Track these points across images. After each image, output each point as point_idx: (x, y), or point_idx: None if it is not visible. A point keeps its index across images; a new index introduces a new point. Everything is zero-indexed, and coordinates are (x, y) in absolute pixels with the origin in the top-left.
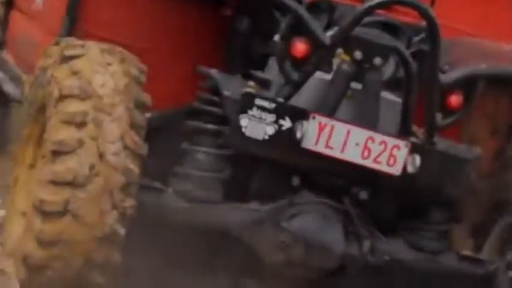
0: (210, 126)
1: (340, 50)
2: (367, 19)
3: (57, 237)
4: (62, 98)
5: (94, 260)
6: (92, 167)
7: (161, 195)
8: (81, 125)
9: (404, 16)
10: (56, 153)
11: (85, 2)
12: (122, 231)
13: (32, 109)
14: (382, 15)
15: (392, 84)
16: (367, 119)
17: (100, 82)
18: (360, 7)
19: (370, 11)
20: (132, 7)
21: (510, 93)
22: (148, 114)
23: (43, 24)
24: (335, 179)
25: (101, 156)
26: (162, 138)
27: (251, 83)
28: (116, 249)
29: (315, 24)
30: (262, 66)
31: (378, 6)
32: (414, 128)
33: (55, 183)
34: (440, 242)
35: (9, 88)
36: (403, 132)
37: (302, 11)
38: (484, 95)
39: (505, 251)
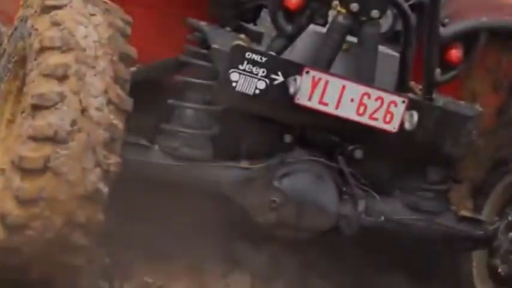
0: (198, 80)
1: (336, 2)
2: None
3: (37, 195)
4: (43, 50)
5: (76, 220)
6: (73, 123)
7: (147, 153)
8: (62, 78)
9: None
10: (36, 108)
11: None
12: (105, 189)
13: (11, 62)
14: None
15: (390, 38)
16: (363, 74)
17: (83, 34)
18: None
19: None
20: None
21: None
22: (133, 68)
23: None
24: (329, 136)
25: (84, 111)
26: (147, 92)
27: (242, 36)
28: (99, 209)
29: None
30: (253, 19)
31: None
32: (412, 83)
33: (35, 139)
34: (439, 202)
35: None
36: (401, 88)
37: None
38: (485, 49)
39: (506, 211)
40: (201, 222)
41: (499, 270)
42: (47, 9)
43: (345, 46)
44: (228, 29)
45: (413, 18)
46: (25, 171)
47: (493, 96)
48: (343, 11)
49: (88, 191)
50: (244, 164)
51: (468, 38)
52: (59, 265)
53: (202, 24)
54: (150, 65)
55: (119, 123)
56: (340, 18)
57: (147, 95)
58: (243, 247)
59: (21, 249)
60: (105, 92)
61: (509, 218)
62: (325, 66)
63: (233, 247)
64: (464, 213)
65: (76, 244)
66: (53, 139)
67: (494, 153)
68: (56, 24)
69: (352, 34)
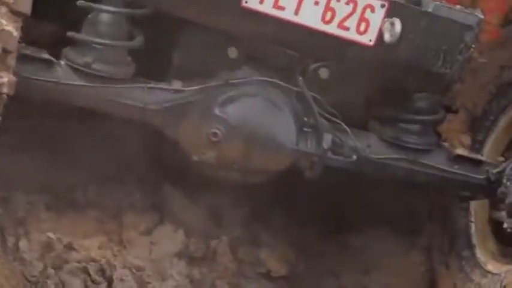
0: None
1: None
2: None
3: None
4: None
5: None
6: None
7: (51, 69)
8: None
9: None
10: None
11: None
12: None
13: None
14: None
15: None
16: None
17: None
18: None
19: None
20: None
21: None
22: None
23: None
24: (286, 50)
25: None
26: None
27: None
28: None
29: None
30: None
31: None
32: None
33: None
34: (426, 137)
35: None
36: None
37: None
38: None
39: (504, 151)
40: (120, 159)
41: (504, 225)
42: None
43: None
44: None
45: None
46: None
47: (499, 1)
48: None
49: None
50: (176, 85)
51: None
52: None
53: None
54: None
55: (14, 31)
56: None
57: None
58: (175, 194)
59: None
60: None
61: None
62: None
63: (161, 194)
64: (460, 151)
65: None
66: None
67: (499, 74)
68: None
69: None
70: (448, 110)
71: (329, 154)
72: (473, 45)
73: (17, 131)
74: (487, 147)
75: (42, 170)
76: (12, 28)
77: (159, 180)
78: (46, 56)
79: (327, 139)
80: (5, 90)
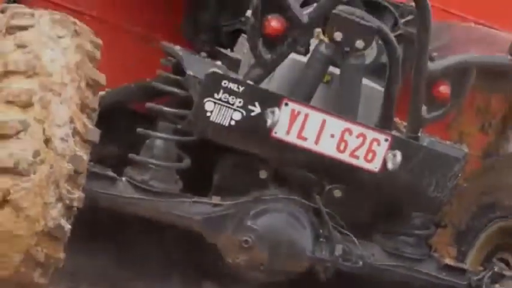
0: (170, 109)
1: (318, 30)
2: None
3: None
4: (7, 74)
5: (35, 257)
6: (36, 153)
7: (114, 185)
8: (26, 105)
9: None
10: None
11: None
12: (67, 226)
13: None
14: None
15: (374, 71)
16: (345, 108)
17: (49, 57)
18: None
19: None
20: None
21: (503, 87)
22: (101, 92)
23: None
24: (307, 173)
25: (47, 141)
26: (115, 119)
27: (218, 63)
28: (59, 246)
29: (292, 0)
30: (231, 44)
31: None
32: (396, 120)
33: None
34: (420, 249)
35: None
36: (384, 124)
37: None
38: (475, 88)
39: (491, 261)
40: (169, 259)
41: None
42: (12, 30)
43: (326, 77)
44: (203, 54)
45: (399, 50)
46: None
47: (480, 138)
48: (326, 39)
49: (49, 227)
50: (215, 199)
51: (458, 74)
52: None
53: (177, 48)
54: (119, 89)
55: (84, 155)
56: (323, 48)
57: (115, 122)
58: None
59: None
60: (71, 121)
61: (495, 269)
62: (305, 99)
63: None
64: (447, 261)
65: (34, 283)
66: (14, 171)
67: (479, 197)
68: (21, 46)
69: (335, 65)
70: (438, 225)
71: (340, 260)
72: (459, 174)
73: (85, 236)
74: (470, 258)
75: (103, 266)
76: (83, 153)
77: (200, 277)
78: (111, 173)
79: (338, 248)
80: (75, 204)
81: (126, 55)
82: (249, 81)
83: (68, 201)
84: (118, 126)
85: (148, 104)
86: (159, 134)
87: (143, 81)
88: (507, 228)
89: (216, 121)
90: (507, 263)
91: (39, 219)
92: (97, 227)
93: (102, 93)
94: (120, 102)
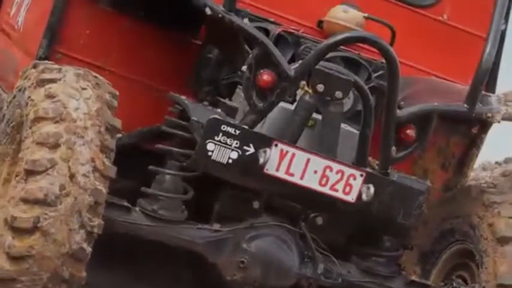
0: (176, 149)
1: (303, 82)
2: (330, 54)
3: (26, 252)
4: (37, 119)
5: (61, 276)
6: (62, 187)
7: (129, 214)
8: (54, 146)
9: (365, 52)
10: (29, 173)
11: (63, 25)
12: (88, 249)
13: (9, 127)
14: (344, 50)
15: (351, 117)
16: (327, 149)
17: (74, 106)
18: (325, 42)
19: (334, 46)
20: (106, 32)
21: (460, 131)
22: (118, 135)
23: (22, 46)
24: (294, 204)
25: (72, 177)
26: (130, 158)
27: (218, 110)
28: (82, 266)
29: (281, 57)
30: (229, 94)
31: (342, 42)
32: (370, 159)
33: (27, 201)
34: (390, 268)
35: None
36: (359, 162)
37: (269, 44)
38: (436, 132)
39: (451, 278)
40: (175, 277)
41: None
42: (42, 82)
43: (310, 122)
44: (205, 103)
45: (372, 99)
46: (16, 230)
47: (441, 173)
48: (310, 90)
49: (73, 250)
50: (215, 226)
51: (422, 120)
52: None
53: (183, 98)
54: (133, 132)
55: (103, 189)
56: (307, 97)
57: (130, 160)
58: None
59: None
60: (92, 160)
61: (454, 285)
62: (293, 140)
63: None
64: (413, 277)
65: None
66: (43, 202)
67: (441, 224)
68: (50, 96)
69: (318, 112)
70: (406, 247)
71: (322, 277)
72: (423, 204)
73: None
74: (433, 276)
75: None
76: (102, 187)
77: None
78: (125, 203)
79: (321, 267)
80: (95, 230)
81: (139, 104)
82: (244, 126)
83: (89, 228)
84: (132, 164)
85: (158, 145)
86: (167, 171)
87: (154, 126)
88: (464, 251)
89: (216, 159)
90: (464, 280)
91: (64, 243)
92: (113, 249)
93: (118, 135)
94: (134, 144)
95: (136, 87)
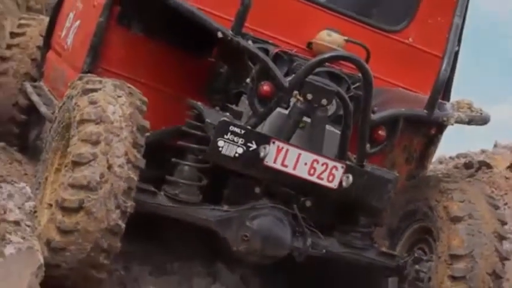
0: (193, 145)
1: (296, 92)
2: (318, 69)
3: (73, 227)
4: (82, 121)
5: (101, 246)
6: (102, 175)
7: (155, 197)
8: (95, 143)
9: (345, 68)
10: (76, 164)
11: (103, 45)
12: (123, 225)
13: (60, 127)
14: (328, 66)
15: (334, 120)
16: (314, 145)
17: (112, 110)
18: (313, 60)
19: (321, 63)
20: (137, 52)
21: (421, 132)
22: (147, 134)
23: (70, 62)
24: (288, 189)
25: (110, 167)
26: (157, 152)
27: (227, 114)
28: (117, 238)
29: (278, 72)
30: (236, 101)
31: (328, 59)
32: (349, 154)
33: (73, 186)
34: (365, 241)
35: (43, 109)
36: (341, 156)
37: (268, 61)
38: (402, 132)
39: (413, 249)
40: (193, 247)
41: None
42: (86, 91)
43: (301, 124)
44: (217, 108)
45: (351, 106)
46: (65, 209)
47: (406, 166)
48: (301, 98)
49: (110, 226)
50: (225, 207)
51: (391, 122)
52: (87, 277)
53: (199, 104)
54: (159, 131)
55: (135, 177)
56: (298, 104)
57: (156, 154)
58: (222, 267)
59: (60, 265)
60: (126, 154)
61: (415, 255)
62: (287, 138)
63: (216, 265)
64: (383, 249)
65: (100, 263)
66: (87, 187)
67: (405, 206)
68: (92, 102)
69: (308, 116)
70: (377, 225)
71: (310, 249)
72: (392, 190)
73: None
74: (399, 248)
75: (148, 250)
76: (134, 176)
77: (214, 257)
78: (152, 189)
79: (309, 241)
80: (128, 210)
81: (164, 108)
82: (248, 127)
83: (123, 208)
84: (158, 157)
85: (180, 142)
86: (186, 162)
87: (175, 126)
88: (424, 228)
89: (225, 154)
90: (424, 251)
91: (103, 220)
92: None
93: (147, 134)
94: (159, 141)
95: (162, 96)
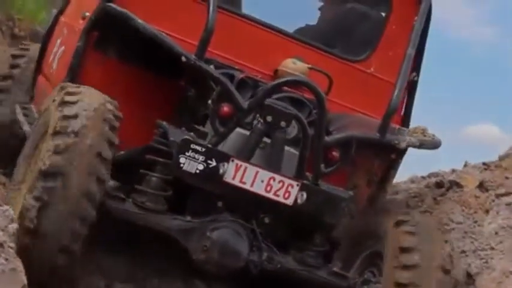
0: (160, 159)
1: (257, 114)
2: (281, 94)
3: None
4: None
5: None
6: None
7: (123, 204)
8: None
9: (308, 94)
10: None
11: (81, 68)
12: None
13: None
14: (293, 92)
15: (295, 142)
16: (273, 164)
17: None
18: (269, 84)
19: (277, 86)
20: (112, 74)
21: (382, 157)
22: (122, 152)
23: (54, 84)
24: (247, 205)
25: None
26: (128, 168)
27: (191, 133)
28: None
29: (237, 94)
30: (203, 123)
31: (283, 84)
32: (308, 174)
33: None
34: (318, 259)
35: (26, 128)
36: (299, 175)
37: (228, 84)
38: (363, 157)
39: (363, 272)
40: (173, 264)
41: None
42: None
43: (262, 145)
44: (183, 128)
45: (309, 129)
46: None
47: (367, 189)
48: (262, 120)
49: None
50: (188, 218)
51: (344, 144)
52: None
53: (164, 123)
54: (132, 150)
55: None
56: (259, 125)
57: (129, 170)
58: (200, 285)
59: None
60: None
61: (365, 276)
62: (248, 157)
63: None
64: (335, 269)
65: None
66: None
67: (362, 231)
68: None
69: (268, 136)
70: (331, 244)
71: (265, 263)
72: (345, 208)
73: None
74: (353, 270)
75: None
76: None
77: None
78: (122, 195)
79: (265, 255)
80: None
81: (137, 128)
82: (208, 145)
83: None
84: (130, 172)
85: (148, 156)
86: (153, 174)
87: (146, 145)
88: (375, 253)
89: (187, 170)
90: (374, 274)
91: None
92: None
93: (121, 152)
94: (132, 158)
95: (134, 117)
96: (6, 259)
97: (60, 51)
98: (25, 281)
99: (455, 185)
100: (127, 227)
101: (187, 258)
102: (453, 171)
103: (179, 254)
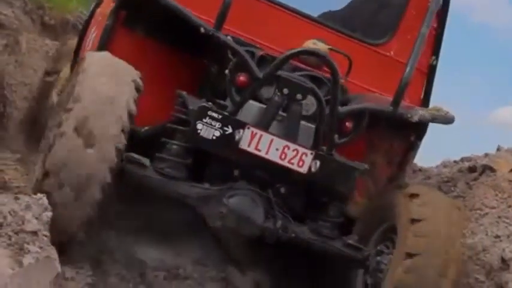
0: (179, 127)
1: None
2: (302, 72)
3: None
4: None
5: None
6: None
7: (144, 169)
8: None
9: (328, 74)
10: None
11: (109, 45)
12: None
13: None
14: (312, 70)
15: (313, 118)
16: (288, 134)
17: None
18: (283, 55)
19: (291, 57)
20: (141, 51)
21: (401, 138)
22: (146, 127)
23: None
24: (263, 174)
25: None
26: (153, 140)
27: (209, 103)
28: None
29: (252, 63)
30: (224, 98)
31: (296, 54)
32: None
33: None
34: (333, 231)
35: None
36: (315, 146)
37: (245, 54)
38: (382, 138)
39: (376, 245)
40: (206, 251)
41: (368, 282)
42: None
43: (279, 117)
44: (203, 100)
45: (324, 104)
46: None
47: (387, 169)
48: (278, 93)
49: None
50: (206, 185)
51: (357, 116)
52: None
53: (184, 93)
54: (158, 125)
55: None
56: (276, 98)
57: (151, 143)
58: (234, 271)
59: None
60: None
61: (378, 248)
62: (266, 127)
63: (227, 271)
64: (350, 241)
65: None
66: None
67: (379, 210)
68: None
69: (284, 110)
70: (346, 216)
71: (280, 231)
72: (356, 176)
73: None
74: (371, 242)
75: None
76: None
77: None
78: (143, 161)
79: (279, 223)
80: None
81: (162, 104)
82: (225, 112)
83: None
84: (153, 144)
85: (169, 124)
86: (174, 142)
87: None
88: (389, 228)
89: (203, 136)
90: (387, 247)
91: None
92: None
93: (146, 127)
94: (156, 134)
95: (161, 89)
96: (41, 247)
97: (93, 37)
98: (59, 269)
99: (488, 169)
100: (161, 215)
101: (221, 247)
102: (486, 155)
103: (213, 244)
